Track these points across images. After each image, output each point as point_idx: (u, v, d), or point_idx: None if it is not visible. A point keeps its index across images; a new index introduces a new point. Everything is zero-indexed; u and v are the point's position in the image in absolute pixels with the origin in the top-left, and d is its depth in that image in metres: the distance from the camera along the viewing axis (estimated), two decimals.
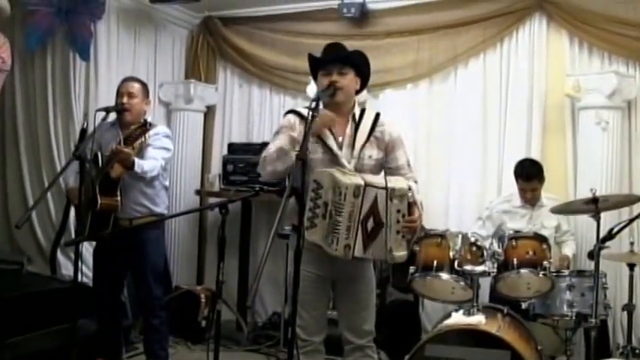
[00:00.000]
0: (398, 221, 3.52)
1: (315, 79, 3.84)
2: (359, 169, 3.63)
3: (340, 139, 3.69)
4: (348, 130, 3.71)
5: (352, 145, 3.68)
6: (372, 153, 3.71)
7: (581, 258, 5.24)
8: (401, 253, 3.56)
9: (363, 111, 3.79)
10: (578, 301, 4.55)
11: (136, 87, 4.76)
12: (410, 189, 3.56)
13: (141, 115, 4.73)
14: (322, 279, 3.74)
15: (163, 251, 5.16)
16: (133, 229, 4.63)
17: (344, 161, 3.64)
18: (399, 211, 3.51)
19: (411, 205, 3.56)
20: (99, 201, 4.45)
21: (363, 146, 3.69)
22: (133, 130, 4.47)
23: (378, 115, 3.81)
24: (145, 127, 4.41)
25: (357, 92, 3.84)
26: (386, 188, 3.49)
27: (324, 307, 3.85)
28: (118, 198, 4.52)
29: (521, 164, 5.24)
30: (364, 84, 3.86)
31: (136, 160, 4.39)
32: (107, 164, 4.47)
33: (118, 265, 4.79)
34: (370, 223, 3.49)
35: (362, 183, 3.44)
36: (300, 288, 3.46)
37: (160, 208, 4.80)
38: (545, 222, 5.16)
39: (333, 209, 3.42)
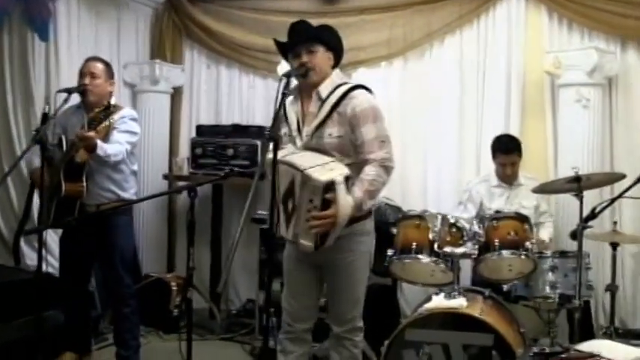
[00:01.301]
0: (309, 210, 3.34)
1: (288, 60, 3.76)
2: (317, 149, 3.53)
3: (309, 118, 3.61)
4: (312, 107, 3.61)
5: (313, 121, 3.58)
6: (333, 130, 3.55)
7: (563, 238, 5.16)
8: (306, 243, 3.40)
9: (339, 86, 3.62)
10: (561, 282, 4.48)
11: (99, 67, 4.59)
12: (331, 185, 3.28)
13: (105, 97, 4.56)
14: (307, 264, 3.67)
15: (133, 238, 5.03)
16: (99, 214, 4.47)
17: (297, 140, 3.58)
18: (311, 200, 3.32)
19: (329, 202, 3.31)
20: (63, 187, 4.30)
21: (323, 124, 3.55)
22: (96, 113, 4.29)
23: (352, 88, 3.61)
24: (109, 109, 4.25)
25: (334, 66, 3.72)
26: (302, 171, 3.31)
27: (311, 294, 3.78)
28: (84, 184, 4.37)
29: (499, 139, 5.16)
30: (339, 56, 3.74)
31: (99, 142, 4.21)
32: (71, 149, 4.32)
33: (86, 254, 4.64)
34: (290, 204, 3.40)
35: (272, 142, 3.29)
36: (287, 273, 3.69)
37: (129, 194, 4.65)
38: (524, 202, 5.07)
39: None
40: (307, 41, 3.59)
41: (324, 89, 3.60)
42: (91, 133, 4.14)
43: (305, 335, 3.79)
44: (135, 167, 4.74)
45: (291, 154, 3.49)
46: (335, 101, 3.56)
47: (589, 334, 4.75)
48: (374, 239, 3.80)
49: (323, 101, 3.58)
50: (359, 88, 3.63)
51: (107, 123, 4.21)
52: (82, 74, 4.56)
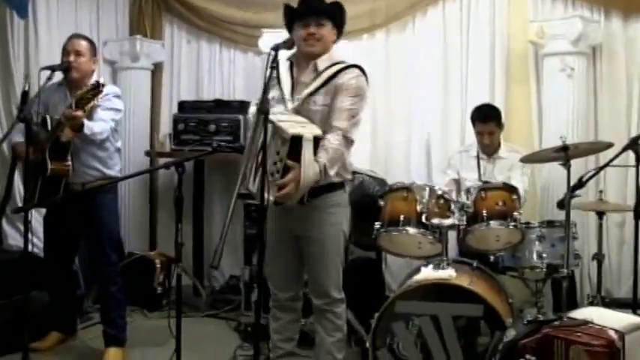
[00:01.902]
0: (275, 163, 3.34)
1: (289, 30, 3.76)
2: (303, 115, 3.56)
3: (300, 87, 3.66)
4: (304, 76, 3.68)
5: (304, 89, 3.64)
6: (319, 99, 3.61)
7: (550, 209, 5.17)
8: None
9: (336, 64, 3.66)
10: (548, 252, 4.46)
11: (83, 45, 4.52)
12: (298, 140, 3.30)
13: (88, 75, 4.51)
14: (284, 233, 3.74)
15: (118, 216, 4.99)
16: (85, 193, 4.43)
17: (288, 103, 3.61)
18: (278, 152, 3.33)
19: (294, 157, 3.30)
20: (49, 166, 4.26)
21: (313, 93, 3.61)
22: (84, 92, 4.15)
23: (348, 66, 3.66)
24: (98, 89, 4.12)
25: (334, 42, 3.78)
26: (273, 122, 3.29)
27: (290, 265, 3.83)
28: (69, 163, 4.34)
29: (479, 108, 5.13)
30: (341, 33, 3.80)
31: (86, 122, 4.17)
32: (56, 128, 4.26)
33: (71, 233, 4.63)
34: (260, 156, 3.34)
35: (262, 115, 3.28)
36: (269, 243, 3.74)
37: (114, 171, 4.61)
38: (499, 176, 5.00)
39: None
40: (319, 14, 3.63)
41: (321, 62, 3.66)
42: (79, 113, 4.07)
43: (289, 304, 3.87)
44: (119, 144, 4.70)
45: (277, 114, 3.49)
46: (329, 75, 3.61)
47: (573, 304, 4.79)
48: (348, 212, 3.83)
49: (318, 73, 3.64)
50: (355, 68, 3.67)
51: (94, 102, 4.14)
52: (65, 51, 4.49)
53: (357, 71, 3.66)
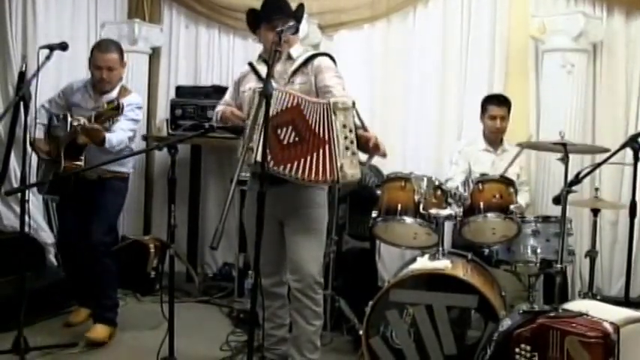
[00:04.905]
0: (345, 137, 3.39)
1: (254, 31, 3.95)
2: None
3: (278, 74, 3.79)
4: (279, 66, 3.80)
5: (282, 77, 3.80)
6: (297, 79, 3.78)
7: (543, 204, 5.20)
8: (353, 171, 3.44)
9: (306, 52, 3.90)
10: (542, 247, 4.50)
11: (114, 59, 4.72)
12: (354, 105, 3.46)
13: (117, 82, 4.77)
14: (268, 220, 3.61)
15: (121, 203, 5.00)
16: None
17: (274, 83, 3.63)
18: (345, 126, 3.40)
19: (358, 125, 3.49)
20: (62, 164, 4.45)
21: (293, 74, 3.79)
22: (106, 110, 4.27)
23: (318, 53, 3.90)
24: (118, 109, 4.24)
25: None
26: (326, 102, 3.45)
27: (273, 249, 3.86)
28: (81, 163, 4.51)
29: (491, 95, 5.20)
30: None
31: (107, 136, 4.37)
32: (73, 132, 4.38)
33: (83, 221, 4.72)
34: (288, 135, 3.43)
35: (274, 87, 3.40)
36: (249, 228, 3.79)
37: (126, 168, 4.85)
38: (509, 169, 5.00)
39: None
40: (285, 18, 3.71)
41: (294, 51, 3.86)
42: (97, 125, 4.27)
43: (273, 289, 3.95)
44: (133, 145, 4.87)
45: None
46: (305, 58, 3.81)
47: (564, 300, 4.79)
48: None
49: (293, 59, 3.83)
50: (324, 55, 3.91)
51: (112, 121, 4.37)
52: (97, 67, 4.68)
53: (327, 57, 3.88)
